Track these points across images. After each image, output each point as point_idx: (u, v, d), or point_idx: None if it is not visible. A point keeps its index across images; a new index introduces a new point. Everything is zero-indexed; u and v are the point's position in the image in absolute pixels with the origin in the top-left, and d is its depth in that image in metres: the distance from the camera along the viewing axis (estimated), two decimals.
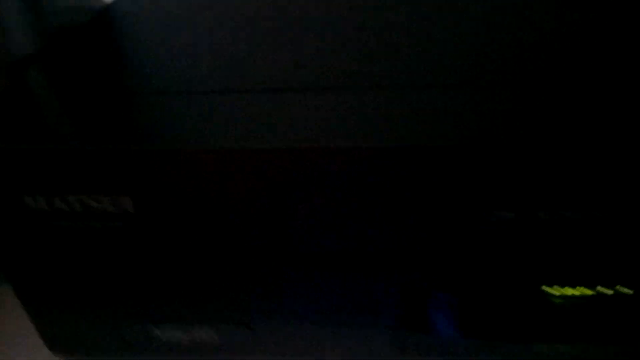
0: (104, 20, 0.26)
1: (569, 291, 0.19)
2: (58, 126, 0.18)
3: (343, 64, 0.20)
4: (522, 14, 0.24)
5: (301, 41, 0.22)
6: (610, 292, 0.19)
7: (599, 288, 0.19)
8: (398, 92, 0.18)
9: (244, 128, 0.16)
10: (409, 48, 0.21)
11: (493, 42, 0.22)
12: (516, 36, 0.22)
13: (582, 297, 0.19)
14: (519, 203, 0.16)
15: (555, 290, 0.19)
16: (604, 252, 0.18)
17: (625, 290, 0.19)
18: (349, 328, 0.20)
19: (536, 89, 0.18)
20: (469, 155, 0.15)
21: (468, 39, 0.22)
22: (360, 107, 0.17)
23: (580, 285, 0.19)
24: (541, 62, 0.20)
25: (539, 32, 0.22)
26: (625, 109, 0.17)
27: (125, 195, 0.16)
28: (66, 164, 0.16)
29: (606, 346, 0.20)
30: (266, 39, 0.23)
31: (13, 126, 0.17)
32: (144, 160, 0.16)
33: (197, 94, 0.18)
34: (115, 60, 0.22)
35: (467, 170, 0.15)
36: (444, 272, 0.18)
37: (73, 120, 0.18)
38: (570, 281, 0.19)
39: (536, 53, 0.20)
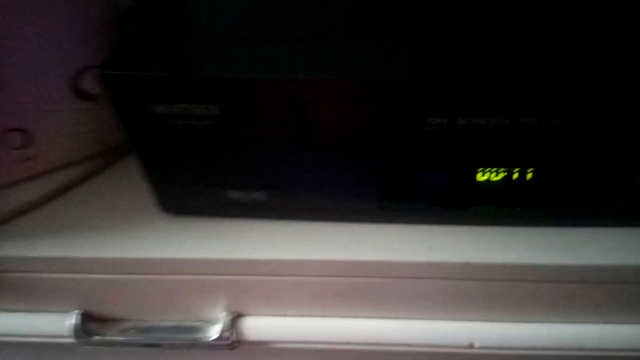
0: None
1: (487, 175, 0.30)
2: (163, 61, 0.29)
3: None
4: None
5: None
6: (516, 174, 0.29)
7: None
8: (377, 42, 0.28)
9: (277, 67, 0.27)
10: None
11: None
12: None
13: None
14: (448, 112, 0.26)
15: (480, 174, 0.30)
16: (509, 146, 0.28)
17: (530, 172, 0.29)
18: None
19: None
20: (414, 85, 0.25)
21: None
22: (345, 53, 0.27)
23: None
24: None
25: None
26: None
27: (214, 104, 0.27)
28: (172, 89, 0.27)
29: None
30: None
31: (133, 60, 0.28)
32: (223, 83, 0.27)
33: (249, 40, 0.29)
34: (192, 9, 0.32)
35: (415, 93, 0.26)
36: (407, 159, 0.29)
37: (171, 57, 0.29)
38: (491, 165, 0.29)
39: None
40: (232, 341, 0.34)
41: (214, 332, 0.34)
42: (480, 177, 0.30)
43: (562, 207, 0.31)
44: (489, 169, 0.30)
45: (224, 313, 0.34)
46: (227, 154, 0.30)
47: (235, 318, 0.34)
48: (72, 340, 0.34)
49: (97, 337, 0.34)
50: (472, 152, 0.29)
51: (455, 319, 0.34)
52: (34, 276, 0.33)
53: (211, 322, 0.35)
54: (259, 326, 0.35)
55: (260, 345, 0.35)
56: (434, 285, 0.32)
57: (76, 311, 0.35)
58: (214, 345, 0.34)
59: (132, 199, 0.36)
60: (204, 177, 0.32)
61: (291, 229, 0.33)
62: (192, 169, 0.31)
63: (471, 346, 0.34)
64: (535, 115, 0.26)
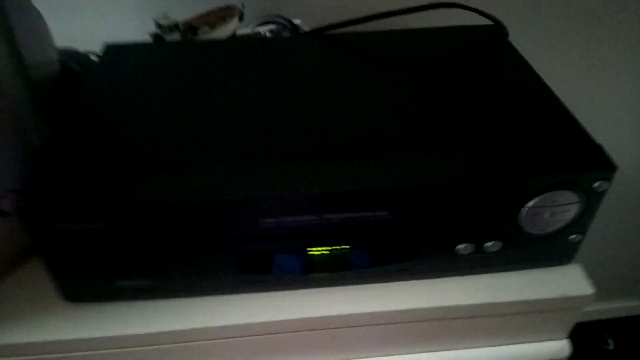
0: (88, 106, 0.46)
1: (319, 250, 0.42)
2: (66, 192, 0.38)
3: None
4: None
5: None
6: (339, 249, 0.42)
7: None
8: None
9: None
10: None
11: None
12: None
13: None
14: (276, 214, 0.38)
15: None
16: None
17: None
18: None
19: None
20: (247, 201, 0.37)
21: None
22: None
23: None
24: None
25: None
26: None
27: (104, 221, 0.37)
28: (73, 213, 0.37)
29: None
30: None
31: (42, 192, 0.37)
32: (111, 207, 0.37)
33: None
34: (105, 137, 0.42)
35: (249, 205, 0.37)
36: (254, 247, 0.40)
37: (74, 188, 0.39)
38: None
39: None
40: None
41: None
42: (312, 252, 0.42)
43: (368, 269, 0.44)
44: (316, 248, 0.42)
45: None
46: (117, 253, 0.40)
47: None
48: None
49: None
50: (302, 237, 0.40)
51: None
52: None
53: None
54: None
55: None
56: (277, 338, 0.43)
57: None
58: None
59: (38, 291, 0.44)
60: (98, 270, 0.41)
61: (169, 304, 0.43)
62: (88, 265, 0.40)
63: None
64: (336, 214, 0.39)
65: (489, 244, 0.42)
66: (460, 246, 0.42)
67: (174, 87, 0.48)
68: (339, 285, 0.45)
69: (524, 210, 0.40)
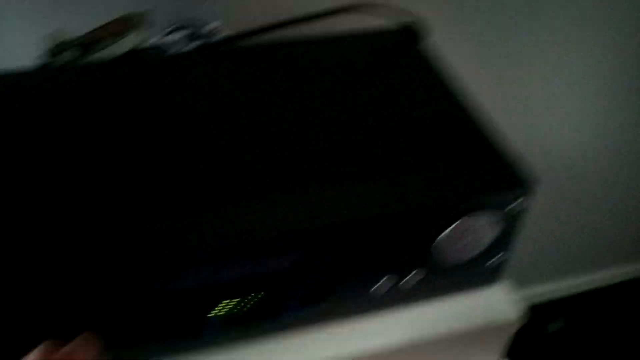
0: None
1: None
2: None
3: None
4: None
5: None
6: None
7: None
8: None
9: None
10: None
11: None
12: None
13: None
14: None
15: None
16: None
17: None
18: None
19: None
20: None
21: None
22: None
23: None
24: None
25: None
26: None
27: None
28: None
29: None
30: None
31: None
32: None
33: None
34: None
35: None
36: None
37: None
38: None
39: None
40: None
41: None
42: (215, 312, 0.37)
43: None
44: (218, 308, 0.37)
45: None
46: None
47: None
48: None
49: None
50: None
51: None
52: None
53: None
54: None
55: None
56: None
57: None
58: None
59: None
60: None
61: None
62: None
63: None
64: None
65: (407, 278, 0.39)
66: (377, 283, 0.39)
67: (42, 126, 0.42)
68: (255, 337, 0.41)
69: (440, 240, 0.37)
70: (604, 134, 0.97)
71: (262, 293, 0.37)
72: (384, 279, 0.39)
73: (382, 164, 0.37)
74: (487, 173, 0.37)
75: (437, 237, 0.37)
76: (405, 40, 0.52)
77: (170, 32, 0.66)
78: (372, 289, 0.39)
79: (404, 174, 0.37)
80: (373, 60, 0.49)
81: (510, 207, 0.37)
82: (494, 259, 0.41)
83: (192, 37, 0.64)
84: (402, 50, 0.51)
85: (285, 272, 0.36)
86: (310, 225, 0.34)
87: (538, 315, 1.31)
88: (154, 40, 0.64)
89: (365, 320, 0.42)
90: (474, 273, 0.41)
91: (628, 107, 0.94)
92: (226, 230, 0.33)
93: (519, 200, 0.37)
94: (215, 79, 0.48)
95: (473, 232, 0.37)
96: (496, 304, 0.43)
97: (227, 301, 0.37)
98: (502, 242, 0.39)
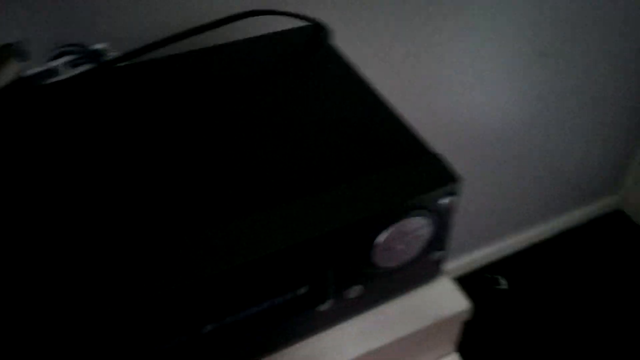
0: None
1: None
2: None
3: None
4: None
5: None
6: None
7: None
8: None
9: None
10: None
11: None
12: None
13: None
14: None
15: None
16: None
17: None
18: None
19: None
20: None
21: None
22: None
23: None
24: None
25: None
26: None
27: None
28: None
29: None
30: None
31: None
32: None
33: None
34: None
35: None
36: None
37: None
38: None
39: None
40: None
41: None
42: None
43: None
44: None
45: None
46: None
47: None
48: None
49: None
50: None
51: None
52: None
53: None
54: None
55: None
56: None
57: None
58: None
59: None
60: None
61: None
62: None
63: None
64: None
65: (349, 291, 0.37)
66: (320, 305, 0.36)
67: None
68: None
69: (376, 249, 0.35)
70: (520, 106, 1.00)
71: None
72: (325, 300, 0.36)
73: (301, 178, 0.35)
74: (410, 172, 0.35)
75: (371, 248, 0.35)
76: (314, 38, 0.49)
77: (54, 58, 0.60)
78: (314, 310, 0.37)
79: (324, 186, 0.34)
80: (282, 62, 0.46)
81: (439, 204, 0.35)
82: (431, 256, 0.39)
83: (78, 60, 0.59)
84: (311, 51, 0.48)
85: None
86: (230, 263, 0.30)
87: (481, 280, 1.35)
88: (38, 69, 0.58)
89: (316, 339, 0.39)
90: (414, 273, 0.40)
91: (537, 82, 0.97)
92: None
93: (447, 197, 0.35)
94: (117, 98, 0.43)
95: (406, 236, 0.36)
96: (441, 300, 0.42)
97: None
98: (439, 237, 0.38)
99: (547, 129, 1.11)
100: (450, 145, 0.98)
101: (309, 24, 0.51)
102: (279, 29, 0.51)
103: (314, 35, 0.50)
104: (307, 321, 0.38)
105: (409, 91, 0.85)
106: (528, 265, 1.38)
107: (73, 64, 0.59)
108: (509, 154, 1.11)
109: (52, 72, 0.57)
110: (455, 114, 0.94)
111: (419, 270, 0.40)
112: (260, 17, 0.52)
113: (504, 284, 1.35)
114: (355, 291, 0.37)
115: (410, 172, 0.35)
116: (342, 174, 0.35)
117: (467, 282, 1.34)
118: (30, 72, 0.57)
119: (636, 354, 1.19)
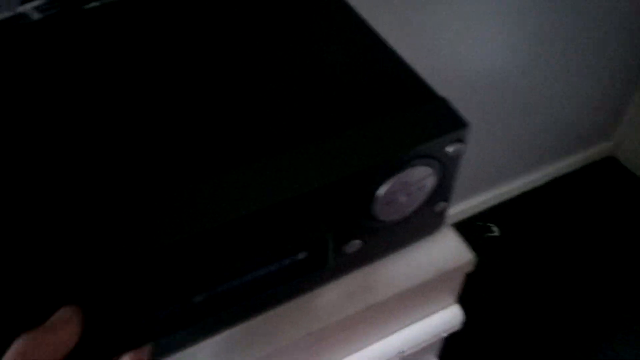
0: None
1: None
2: None
3: None
4: None
5: None
6: None
7: None
8: None
9: None
10: None
11: None
12: None
13: None
14: None
15: None
16: None
17: None
18: None
19: None
20: None
21: None
22: None
23: None
24: None
25: None
26: None
27: None
28: None
29: None
30: None
31: None
32: None
33: None
34: None
35: None
36: None
37: None
38: None
39: None
40: None
41: None
42: None
43: None
44: None
45: None
46: None
47: None
48: None
49: None
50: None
51: None
52: None
53: None
54: None
55: None
56: None
57: None
58: None
59: None
60: None
61: None
62: None
63: None
64: None
65: (349, 245, 0.35)
66: (320, 270, 0.34)
67: None
68: None
69: (377, 201, 0.33)
70: (514, 52, 0.97)
71: None
72: (330, 246, 0.34)
73: (304, 126, 0.32)
74: (416, 118, 0.32)
75: (372, 199, 0.32)
76: None
77: (23, 2, 0.56)
78: (316, 272, 0.35)
79: (326, 133, 0.31)
80: (279, 5, 0.42)
81: (445, 152, 0.33)
82: (434, 208, 0.37)
83: (48, 6, 0.54)
84: None
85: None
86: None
87: (473, 228, 1.35)
88: (7, 13, 0.54)
89: (316, 294, 0.38)
90: (417, 225, 0.38)
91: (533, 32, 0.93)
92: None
93: (454, 144, 0.33)
94: (93, 40, 0.39)
95: (409, 187, 0.33)
96: (445, 252, 0.40)
97: None
98: (443, 188, 0.36)
99: (541, 77, 1.08)
100: (443, 93, 0.95)
101: None
102: None
103: None
104: (306, 278, 0.36)
105: (408, 37, 0.81)
106: (520, 213, 1.38)
107: (42, 9, 0.54)
108: (502, 102, 1.08)
109: (23, 16, 0.53)
110: (449, 61, 0.91)
111: (422, 222, 0.38)
112: None
113: (495, 231, 1.35)
114: (354, 246, 0.35)
115: (416, 117, 0.32)
116: (341, 121, 0.32)
117: (459, 230, 1.34)
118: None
119: (627, 297, 1.21)
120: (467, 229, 1.36)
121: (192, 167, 0.30)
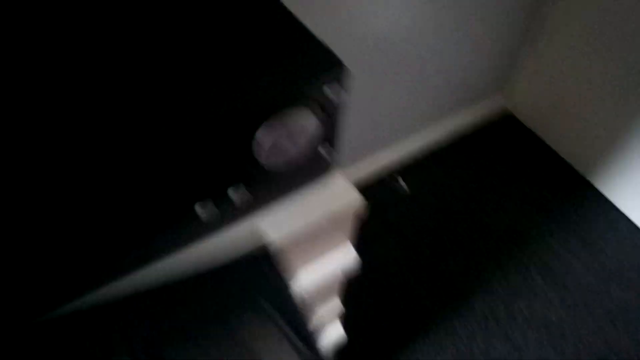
0: None
1: None
2: None
3: None
4: None
5: None
6: None
7: None
8: None
9: None
10: None
11: None
12: None
13: None
14: None
15: None
16: None
17: None
18: None
19: None
20: None
21: None
22: None
23: None
24: None
25: None
26: None
27: None
28: None
29: None
30: None
31: None
32: None
33: None
34: None
35: None
36: None
37: None
38: None
39: None
40: None
41: None
42: None
43: None
44: None
45: None
46: None
47: None
48: None
49: None
50: None
51: None
52: None
53: None
54: None
55: None
56: None
57: None
58: None
59: None
60: None
61: None
62: None
63: None
64: None
65: (234, 193, 0.35)
66: (200, 208, 0.34)
67: None
68: None
69: (258, 144, 0.32)
70: (408, 8, 0.99)
71: None
72: (205, 202, 0.34)
73: (182, 68, 0.31)
74: (300, 61, 0.32)
75: (251, 145, 0.32)
76: None
77: None
78: (196, 215, 0.35)
79: (202, 77, 0.30)
80: None
81: (329, 92, 0.33)
82: (321, 150, 0.38)
83: None
84: None
85: None
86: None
87: (381, 182, 1.40)
88: None
89: (206, 243, 0.38)
90: (304, 169, 0.38)
91: None
92: None
93: (338, 83, 0.33)
94: None
95: (294, 126, 0.34)
96: (336, 194, 0.41)
97: None
98: (327, 131, 0.36)
99: (435, 31, 1.11)
100: (342, 54, 0.96)
101: None
102: None
103: None
104: (191, 227, 0.36)
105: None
106: (426, 171, 1.44)
107: None
108: (400, 58, 1.11)
109: None
110: (346, 22, 0.91)
111: (309, 167, 0.39)
112: None
113: (403, 185, 1.40)
114: (241, 194, 0.35)
115: (292, 60, 0.32)
116: (220, 70, 0.31)
117: (367, 186, 1.38)
118: None
119: (525, 251, 1.32)
120: (376, 184, 1.40)
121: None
